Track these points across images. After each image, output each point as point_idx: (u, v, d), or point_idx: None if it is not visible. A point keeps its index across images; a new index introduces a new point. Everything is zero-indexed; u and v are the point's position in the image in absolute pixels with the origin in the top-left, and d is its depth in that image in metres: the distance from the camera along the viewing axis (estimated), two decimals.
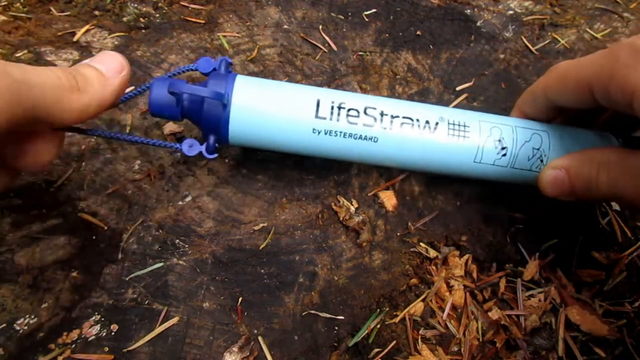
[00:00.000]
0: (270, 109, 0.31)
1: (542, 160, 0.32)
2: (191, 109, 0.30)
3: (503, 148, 0.32)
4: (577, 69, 0.29)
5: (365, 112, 0.32)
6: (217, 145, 0.31)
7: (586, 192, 0.30)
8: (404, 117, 0.32)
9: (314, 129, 0.31)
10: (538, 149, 0.33)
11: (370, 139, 0.31)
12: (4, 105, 0.21)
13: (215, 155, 0.31)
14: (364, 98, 0.33)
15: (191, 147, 0.31)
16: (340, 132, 0.31)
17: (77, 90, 0.25)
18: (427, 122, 0.32)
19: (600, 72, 0.26)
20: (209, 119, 0.30)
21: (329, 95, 0.32)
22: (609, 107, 0.27)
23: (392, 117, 0.32)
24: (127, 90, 0.30)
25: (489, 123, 0.33)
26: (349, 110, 0.31)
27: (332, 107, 0.31)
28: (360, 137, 0.31)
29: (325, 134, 0.31)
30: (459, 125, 0.32)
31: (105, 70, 0.27)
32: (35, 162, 0.27)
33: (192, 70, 0.32)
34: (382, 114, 0.32)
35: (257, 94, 0.31)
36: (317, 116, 0.31)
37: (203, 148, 0.31)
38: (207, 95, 0.29)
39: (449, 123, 0.32)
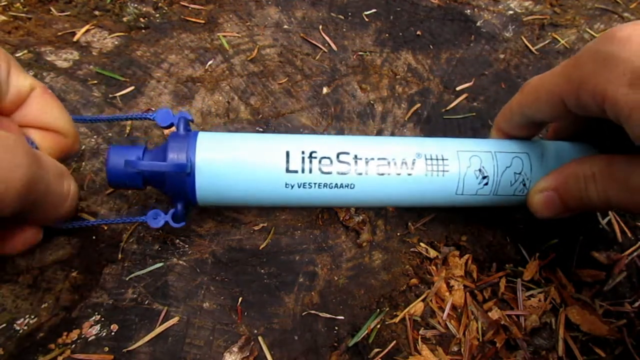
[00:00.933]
0: (237, 167, 0.29)
1: (525, 185, 0.32)
2: (153, 178, 0.29)
3: (484, 177, 0.31)
4: (547, 83, 0.28)
5: (338, 159, 0.30)
6: (185, 210, 0.30)
7: (580, 207, 0.29)
8: (379, 159, 0.30)
9: (286, 184, 0.29)
10: (520, 173, 0.32)
11: (347, 186, 0.30)
12: (17, 207, 0.22)
13: (183, 223, 0.30)
14: (335, 141, 0.31)
15: (155, 219, 0.29)
16: (315, 184, 0.30)
17: (66, 200, 0.27)
18: (404, 161, 0.31)
19: (568, 83, 0.26)
20: (174, 187, 0.29)
21: (298, 145, 0.30)
22: (584, 115, 0.27)
23: (367, 159, 0.30)
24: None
25: (467, 152, 0.32)
26: (320, 159, 0.30)
27: (303, 158, 0.29)
28: (336, 186, 0.30)
29: (299, 187, 0.30)
30: (437, 159, 0.31)
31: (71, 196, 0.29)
32: (23, 245, 0.27)
33: (148, 119, 0.30)
34: (355, 158, 0.30)
35: (221, 152, 0.29)
36: (288, 170, 0.29)
37: (169, 217, 0.29)
38: (168, 170, 0.27)
39: (426, 158, 0.31)
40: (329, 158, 0.30)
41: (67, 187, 0.27)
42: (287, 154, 0.29)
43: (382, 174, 0.30)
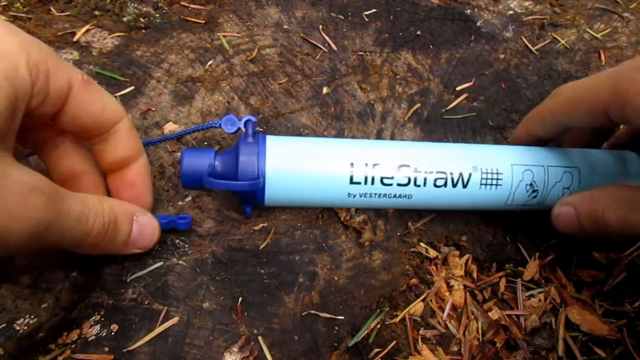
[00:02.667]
0: (305, 176, 0.31)
1: None
2: (225, 172, 0.31)
3: (534, 191, 0.33)
4: (588, 93, 0.29)
5: (399, 171, 0.31)
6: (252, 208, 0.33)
7: (596, 231, 0.30)
8: (437, 172, 0.32)
9: (349, 194, 0.31)
10: (568, 188, 0.33)
11: (404, 196, 0.32)
12: (22, 252, 0.22)
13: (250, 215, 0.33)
14: (398, 151, 0.32)
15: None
16: (375, 194, 0.32)
17: (92, 248, 0.27)
18: (461, 174, 0.32)
19: (614, 95, 0.26)
20: (245, 194, 0.31)
21: (362, 154, 0.31)
22: (629, 126, 0.28)
23: (426, 172, 0.32)
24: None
25: (521, 167, 0.33)
26: (383, 174, 0.31)
27: (367, 172, 0.31)
28: (394, 196, 0.32)
29: (360, 196, 0.31)
30: (492, 173, 0.32)
31: (132, 240, 0.29)
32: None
33: (215, 127, 0.32)
34: (416, 171, 0.31)
35: (290, 161, 0.31)
36: (352, 182, 0.31)
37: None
38: (243, 189, 0.29)
39: (482, 172, 0.32)
40: (391, 176, 0.31)
41: (90, 227, 0.25)
42: (352, 165, 0.31)
43: (439, 187, 0.32)
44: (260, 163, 0.30)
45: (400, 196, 0.32)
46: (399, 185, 0.31)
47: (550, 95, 0.33)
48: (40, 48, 0.23)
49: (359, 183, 0.31)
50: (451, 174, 0.32)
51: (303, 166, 0.31)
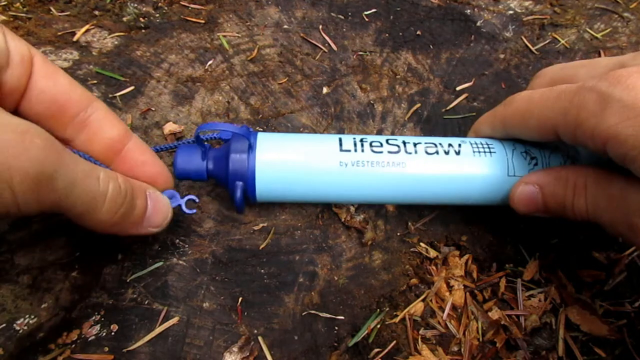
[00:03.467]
0: (295, 150, 0.31)
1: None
2: (216, 171, 0.31)
3: (533, 158, 0.32)
4: (539, 109, 0.28)
5: (387, 143, 0.32)
6: (244, 197, 0.31)
7: (560, 213, 0.29)
8: (426, 143, 0.32)
9: (340, 162, 0.31)
10: (568, 156, 0.32)
11: (398, 164, 0.31)
12: (34, 204, 0.21)
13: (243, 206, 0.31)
14: (383, 135, 0.33)
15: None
16: (367, 162, 0.31)
17: (108, 219, 0.25)
18: (450, 144, 0.32)
19: (565, 118, 0.26)
20: (235, 171, 0.30)
21: (349, 135, 0.32)
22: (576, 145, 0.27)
23: (415, 144, 0.32)
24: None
25: (508, 142, 0.33)
26: (371, 142, 0.32)
27: (355, 142, 0.32)
28: (388, 164, 0.31)
29: (353, 165, 0.31)
30: (482, 144, 0.32)
31: (146, 217, 0.28)
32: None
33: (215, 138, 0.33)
34: (404, 143, 0.32)
35: (279, 139, 0.32)
36: (341, 149, 0.31)
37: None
38: (235, 131, 0.29)
39: (471, 143, 0.32)
40: (379, 142, 0.32)
41: (104, 187, 0.24)
42: (340, 140, 0.32)
43: (432, 153, 0.31)
44: (251, 139, 0.30)
45: (393, 164, 0.31)
46: (390, 152, 0.31)
47: (504, 102, 0.32)
48: None
49: (348, 150, 0.31)
50: (440, 143, 0.32)
51: (293, 140, 0.32)
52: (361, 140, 0.32)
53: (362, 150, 0.31)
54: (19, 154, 0.19)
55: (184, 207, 0.30)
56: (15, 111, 0.25)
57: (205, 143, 0.32)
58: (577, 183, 0.28)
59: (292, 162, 0.31)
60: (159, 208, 0.28)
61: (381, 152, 0.31)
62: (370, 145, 0.31)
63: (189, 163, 0.31)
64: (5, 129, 0.19)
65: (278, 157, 0.31)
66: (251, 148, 0.30)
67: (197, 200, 0.31)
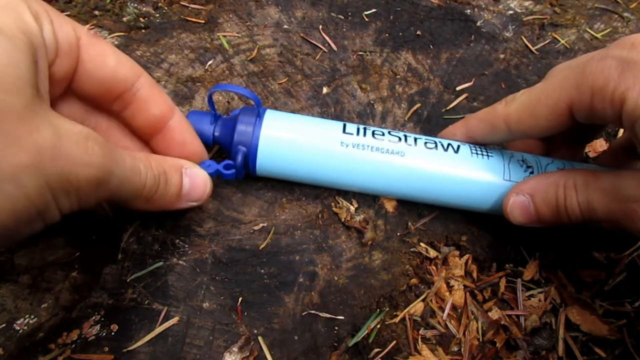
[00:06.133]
0: (300, 127, 0.32)
1: None
2: (222, 136, 0.33)
3: (529, 167, 0.33)
4: (546, 95, 0.28)
5: (389, 133, 0.33)
6: (244, 166, 0.33)
7: (555, 218, 0.29)
8: (426, 140, 0.33)
9: (342, 142, 0.32)
10: (564, 169, 0.33)
11: (398, 153, 0.32)
12: (92, 202, 0.23)
13: (233, 174, 0.32)
14: (386, 128, 0.34)
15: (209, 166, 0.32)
16: (368, 146, 0.32)
17: (147, 201, 0.27)
18: (449, 144, 0.33)
19: (579, 91, 0.26)
20: (240, 141, 0.32)
21: (353, 123, 0.34)
22: (589, 123, 0.27)
23: (415, 138, 0.33)
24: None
25: (507, 151, 0.34)
26: (374, 131, 0.33)
27: (358, 129, 0.33)
28: (388, 151, 0.32)
29: (354, 147, 0.32)
30: (480, 148, 0.34)
31: (185, 193, 0.29)
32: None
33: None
34: (405, 136, 0.33)
35: (286, 116, 0.33)
36: (344, 132, 0.32)
37: (221, 167, 0.31)
38: (243, 93, 0.30)
39: (470, 146, 0.34)
40: (381, 132, 0.33)
41: (144, 178, 0.26)
42: (344, 125, 0.33)
43: (431, 148, 0.33)
44: (259, 110, 0.32)
45: (393, 152, 0.32)
46: (390, 141, 0.32)
47: (503, 101, 0.31)
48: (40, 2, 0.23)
49: (351, 133, 0.32)
50: (440, 142, 0.33)
51: (298, 119, 0.33)
52: (364, 128, 0.33)
53: (364, 135, 0.33)
54: (84, 163, 0.21)
55: (222, 170, 0.31)
56: (64, 94, 0.27)
57: (217, 113, 0.33)
58: (566, 184, 0.28)
59: (296, 137, 0.32)
60: (196, 183, 0.30)
61: (382, 139, 0.32)
62: (373, 133, 0.33)
63: (198, 126, 0.32)
64: (69, 140, 0.20)
65: (282, 133, 0.32)
66: (259, 118, 0.32)
67: (232, 163, 0.32)
